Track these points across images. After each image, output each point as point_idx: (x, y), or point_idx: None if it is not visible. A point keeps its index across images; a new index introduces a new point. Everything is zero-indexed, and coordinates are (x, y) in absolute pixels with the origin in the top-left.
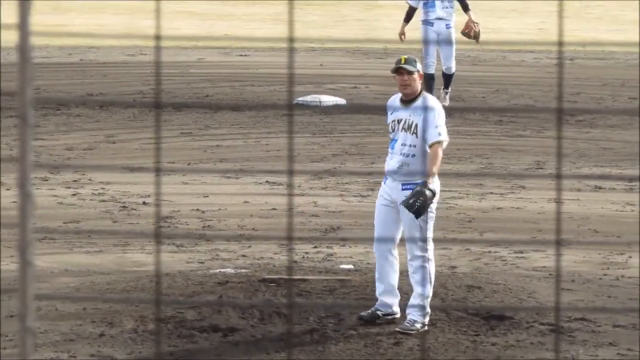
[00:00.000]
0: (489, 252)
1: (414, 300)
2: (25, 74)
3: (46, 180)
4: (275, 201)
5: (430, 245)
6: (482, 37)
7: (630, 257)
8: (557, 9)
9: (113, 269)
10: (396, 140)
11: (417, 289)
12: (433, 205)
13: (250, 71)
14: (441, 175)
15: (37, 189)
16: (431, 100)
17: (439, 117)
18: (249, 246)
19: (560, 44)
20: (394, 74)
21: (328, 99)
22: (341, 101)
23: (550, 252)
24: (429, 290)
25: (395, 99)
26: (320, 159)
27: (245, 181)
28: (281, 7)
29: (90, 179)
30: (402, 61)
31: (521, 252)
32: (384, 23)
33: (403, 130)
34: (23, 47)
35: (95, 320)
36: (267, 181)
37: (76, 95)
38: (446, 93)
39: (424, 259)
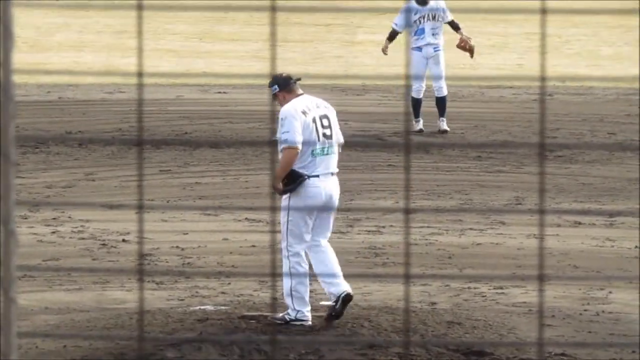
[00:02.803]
0: (469, 288)
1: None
2: (8, 111)
3: (26, 218)
4: (254, 238)
5: (292, 241)
6: (460, 72)
7: (610, 292)
8: (536, 44)
9: (93, 307)
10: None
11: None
12: (299, 201)
13: (229, 108)
14: (420, 211)
15: (17, 227)
16: (284, 106)
17: (285, 121)
18: (229, 283)
19: (543, 79)
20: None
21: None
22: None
23: (530, 287)
24: (294, 286)
25: None
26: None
27: (224, 218)
28: (259, 44)
29: (69, 217)
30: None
31: (501, 287)
32: (362, 59)
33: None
34: (5, 85)
35: (76, 358)
36: (246, 218)
37: (55, 133)
38: (442, 120)
39: (285, 256)
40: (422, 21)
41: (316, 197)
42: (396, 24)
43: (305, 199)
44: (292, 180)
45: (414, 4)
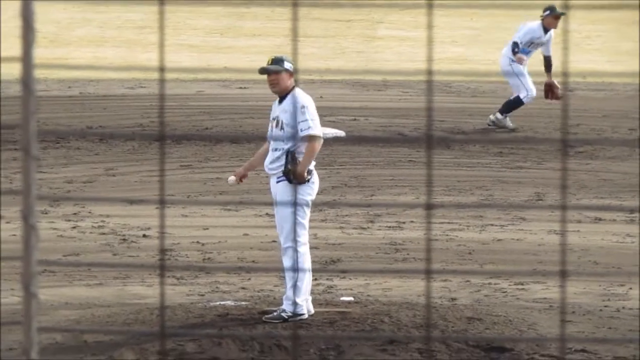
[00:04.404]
0: (489, 283)
1: (287, 290)
2: (29, 106)
3: (46, 213)
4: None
5: (302, 232)
6: (482, 68)
7: (630, 288)
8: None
9: (113, 302)
10: (271, 137)
11: (287, 278)
12: (307, 191)
13: (250, 104)
14: (441, 206)
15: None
16: (300, 95)
17: (308, 111)
18: (249, 279)
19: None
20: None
21: (328, 131)
22: (341, 133)
23: (550, 283)
24: (301, 278)
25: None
26: (320, 191)
27: (245, 214)
28: (280, 39)
29: (90, 212)
30: (269, 62)
31: (521, 283)
32: (383, 55)
33: (275, 127)
34: (27, 80)
35: (96, 353)
36: (267, 213)
37: (76, 128)
38: (497, 114)
39: (294, 249)
40: (535, 48)
41: (315, 188)
42: (521, 42)
43: (309, 189)
44: (308, 172)
45: (538, 29)
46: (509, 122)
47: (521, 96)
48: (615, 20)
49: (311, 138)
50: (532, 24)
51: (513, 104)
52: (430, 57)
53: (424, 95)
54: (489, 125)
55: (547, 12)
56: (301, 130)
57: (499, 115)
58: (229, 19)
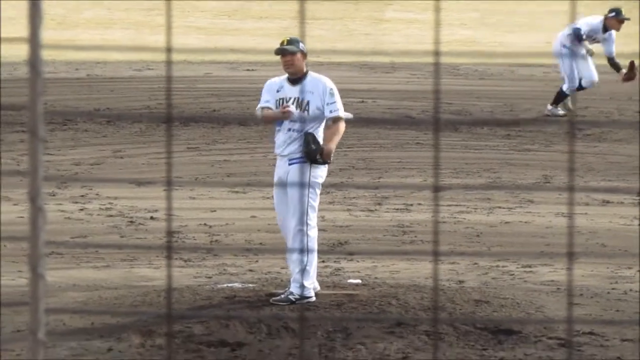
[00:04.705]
0: (497, 266)
1: (295, 273)
2: (36, 87)
3: (53, 195)
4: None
5: (312, 215)
6: (491, 49)
7: (638, 271)
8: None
9: (121, 284)
10: (295, 118)
11: (296, 261)
12: (319, 173)
13: (257, 86)
14: (449, 189)
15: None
16: (323, 78)
17: (335, 93)
18: (257, 261)
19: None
20: (279, 55)
21: None
22: (349, 115)
23: (558, 266)
24: (310, 262)
25: (277, 80)
26: (328, 173)
27: (252, 196)
28: (287, 21)
29: (97, 194)
30: (284, 43)
31: (529, 266)
32: (391, 37)
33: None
34: (34, 61)
35: (104, 335)
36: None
37: (83, 110)
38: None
39: (303, 232)
40: (590, 41)
41: (325, 170)
42: (581, 30)
43: (321, 172)
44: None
45: (598, 25)
46: (560, 110)
47: (564, 88)
48: (623, 3)
49: (339, 119)
50: (592, 18)
51: (560, 96)
52: (438, 40)
53: (431, 78)
54: (547, 115)
55: (613, 14)
56: (330, 112)
57: (549, 107)
58: (237, 1)
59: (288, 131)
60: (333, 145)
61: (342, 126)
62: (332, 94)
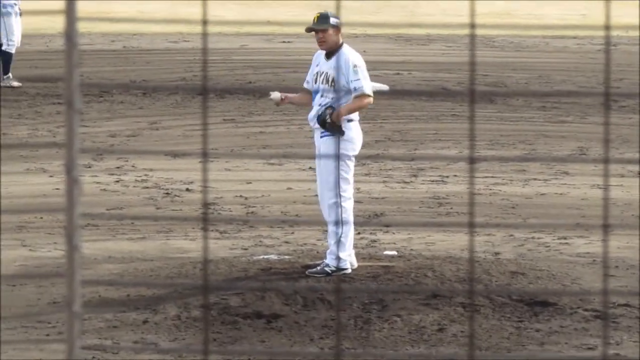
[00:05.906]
0: (533, 238)
1: (330, 245)
2: (72, 59)
3: (89, 167)
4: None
5: (346, 187)
6: (524, 22)
7: None
8: None
9: (156, 256)
10: (317, 92)
11: (331, 233)
12: (349, 146)
13: (293, 57)
14: (484, 160)
15: (81, 175)
16: (351, 53)
17: (360, 70)
18: (292, 232)
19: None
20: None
21: (372, 85)
22: (384, 87)
23: (593, 238)
24: (345, 233)
25: (320, 53)
26: (364, 145)
27: (288, 167)
28: None
29: (133, 166)
30: (315, 20)
31: (565, 238)
32: (427, 9)
33: (322, 83)
34: (70, 33)
35: (139, 307)
36: (310, 167)
37: (119, 82)
38: None
39: (337, 203)
40: None
41: (357, 142)
42: None
43: (351, 143)
44: (338, 126)
45: None
46: None
47: None
48: None
49: (363, 96)
50: None
51: None
52: (474, 11)
53: (467, 50)
54: None
55: None
56: (355, 90)
57: None
58: None
59: (319, 106)
60: (344, 110)
61: (362, 100)
62: (355, 71)
